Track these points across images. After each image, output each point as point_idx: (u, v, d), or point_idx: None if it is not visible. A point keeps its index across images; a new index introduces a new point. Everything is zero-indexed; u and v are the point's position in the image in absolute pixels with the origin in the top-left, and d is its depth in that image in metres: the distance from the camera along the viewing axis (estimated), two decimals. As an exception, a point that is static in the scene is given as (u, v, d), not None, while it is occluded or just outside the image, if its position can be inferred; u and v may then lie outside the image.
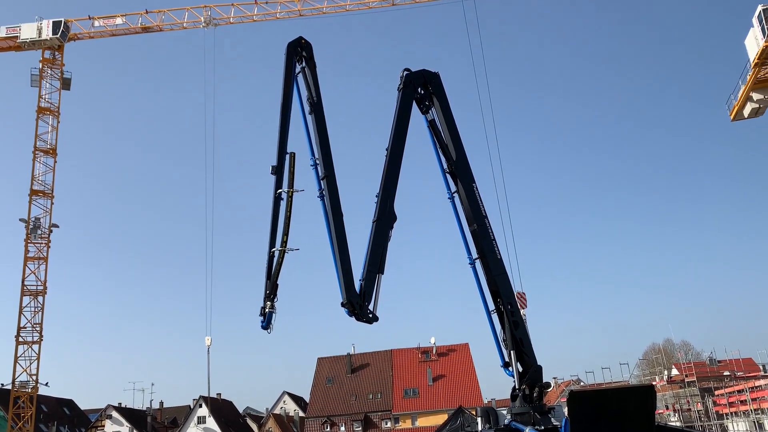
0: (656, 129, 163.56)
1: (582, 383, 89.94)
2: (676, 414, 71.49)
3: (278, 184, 21.15)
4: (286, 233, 20.69)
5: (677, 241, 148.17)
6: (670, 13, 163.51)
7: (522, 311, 21.27)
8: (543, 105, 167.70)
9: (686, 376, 72.67)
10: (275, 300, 20.68)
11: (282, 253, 20.56)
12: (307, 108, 21.93)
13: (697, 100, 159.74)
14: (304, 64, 22.61)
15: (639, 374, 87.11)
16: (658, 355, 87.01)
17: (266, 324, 20.68)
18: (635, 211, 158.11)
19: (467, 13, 31.59)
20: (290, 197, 20.97)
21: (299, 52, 22.68)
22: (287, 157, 21.31)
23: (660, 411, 72.91)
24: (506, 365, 20.46)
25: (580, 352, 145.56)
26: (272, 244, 20.76)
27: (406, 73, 22.03)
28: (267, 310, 20.54)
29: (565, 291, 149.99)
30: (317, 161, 21.03)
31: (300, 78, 22.43)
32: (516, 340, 20.06)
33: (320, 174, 20.82)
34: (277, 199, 21.09)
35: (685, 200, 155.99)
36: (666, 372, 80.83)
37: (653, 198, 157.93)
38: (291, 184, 21.02)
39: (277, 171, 21.29)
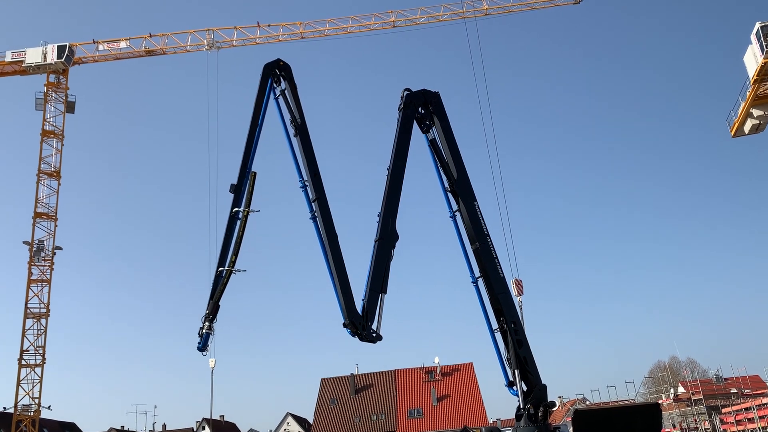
0: (658, 148, 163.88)
1: (587, 402, 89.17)
2: (684, 432, 70.74)
3: (235, 203, 20.92)
4: (235, 253, 20.47)
5: (682, 258, 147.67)
6: (668, 33, 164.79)
7: (518, 298, 21.18)
8: (544, 118, 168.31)
9: (693, 394, 71.99)
10: (214, 321, 20.27)
11: (228, 273, 20.27)
12: (291, 131, 21.73)
13: (697, 119, 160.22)
14: (283, 86, 22.41)
15: (645, 392, 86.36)
16: (664, 373, 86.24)
17: (202, 345, 20.22)
18: (640, 229, 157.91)
19: (469, 32, 31.97)
20: (245, 217, 20.70)
21: (277, 74, 22.46)
22: (248, 176, 21.10)
23: (667, 429, 72.21)
24: (510, 384, 20.38)
25: (585, 370, 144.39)
26: (221, 263, 20.52)
27: (406, 93, 22.18)
28: (204, 331, 20.11)
29: (569, 309, 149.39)
30: (306, 183, 20.85)
31: (281, 101, 22.25)
32: (520, 359, 20.01)
33: (311, 196, 20.63)
34: (233, 218, 20.86)
35: (689, 218, 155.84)
36: (672, 390, 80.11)
37: (657, 216, 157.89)
38: (248, 204, 20.79)
39: (236, 189, 21.06)
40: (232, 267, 20.32)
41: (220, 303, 20.42)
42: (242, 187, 21.08)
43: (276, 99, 22.27)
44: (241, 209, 20.75)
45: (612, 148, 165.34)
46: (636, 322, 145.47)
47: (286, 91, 22.32)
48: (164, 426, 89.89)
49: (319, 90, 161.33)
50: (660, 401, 72.82)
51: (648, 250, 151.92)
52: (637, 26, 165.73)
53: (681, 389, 78.86)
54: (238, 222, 20.75)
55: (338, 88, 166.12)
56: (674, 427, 73.43)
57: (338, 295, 19.14)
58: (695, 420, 71.71)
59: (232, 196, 20.98)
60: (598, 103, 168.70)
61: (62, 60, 50.93)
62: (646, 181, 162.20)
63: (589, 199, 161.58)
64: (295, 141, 21.57)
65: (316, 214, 20.32)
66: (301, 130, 21.54)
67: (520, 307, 21.11)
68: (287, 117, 21.99)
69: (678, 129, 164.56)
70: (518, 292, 21.42)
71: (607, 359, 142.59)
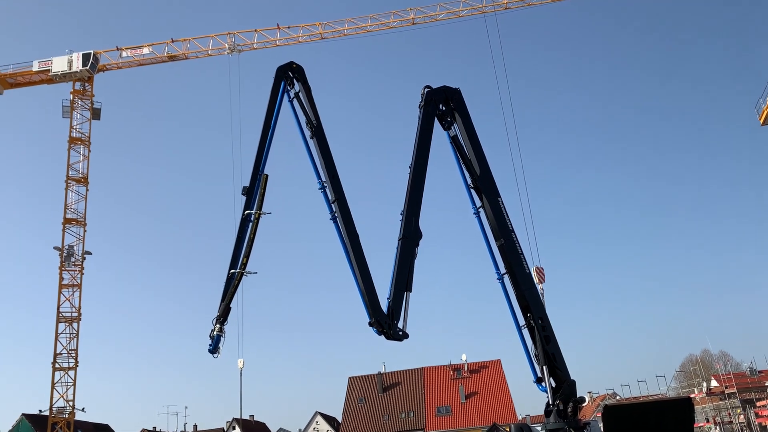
0: (684, 142, 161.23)
1: (618, 397, 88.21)
2: (718, 427, 69.66)
3: (247, 206, 20.98)
4: (247, 255, 20.48)
5: (713, 251, 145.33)
6: (696, 23, 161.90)
7: (540, 286, 20.98)
8: (564, 111, 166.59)
9: (726, 387, 70.81)
10: (225, 323, 20.30)
11: (240, 275, 20.30)
12: (307, 133, 21.70)
13: (720, 111, 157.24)
14: (298, 88, 22.36)
15: (676, 386, 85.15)
16: (696, 367, 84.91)
17: (213, 348, 20.19)
18: (668, 224, 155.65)
19: (489, 27, 31.77)
20: (257, 219, 20.70)
21: (290, 76, 22.43)
22: (260, 179, 21.11)
23: (700, 424, 71.15)
24: (539, 381, 20.22)
25: (615, 365, 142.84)
26: (233, 265, 20.57)
27: (427, 90, 22.07)
28: (215, 333, 20.11)
29: (599, 303, 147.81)
30: (325, 184, 20.84)
31: (296, 103, 22.20)
32: (548, 355, 19.83)
33: (330, 197, 20.60)
34: (245, 220, 20.91)
35: (721, 211, 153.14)
36: (705, 384, 78.85)
37: (686, 209, 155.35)
38: (260, 206, 20.80)
39: (248, 192, 21.14)
40: (244, 269, 20.37)
41: (231, 305, 20.50)
42: (254, 190, 21.14)
43: (290, 101, 22.27)
44: (253, 211, 20.80)
45: (640, 144, 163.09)
46: (666, 316, 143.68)
47: (300, 93, 22.29)
48: (195, 426, 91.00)
49: (337, 91, 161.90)
50: (692, 395, 71.76)
51: (678, 244, 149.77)
52: (658, 20, 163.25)
53: (714, 383, 77.60)
54: (250, 224, 20.81)
55: (357, 88, 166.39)
56: (708, 421, 72.33)
57: (362, 295, 19.10)
58: (729, 414, 70.57)
59: (254, 197, 21.09)
60: (619, 99, 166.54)
61: (87, 68, 51.71)
62: (673, 176, 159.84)
63: (617, 194, 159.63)
64: (311, 143, 21.56)
65: (336, 214, 20.29)
66: (318, 131, 21.51)
67: (542, 294, 20.88)
68: (302, 119, 21.98)
69: (701, 123, 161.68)
70: (539, 279, 21.19)
71: (638, 354, 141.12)
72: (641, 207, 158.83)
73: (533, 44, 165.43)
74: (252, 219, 20.81)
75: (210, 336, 20.16)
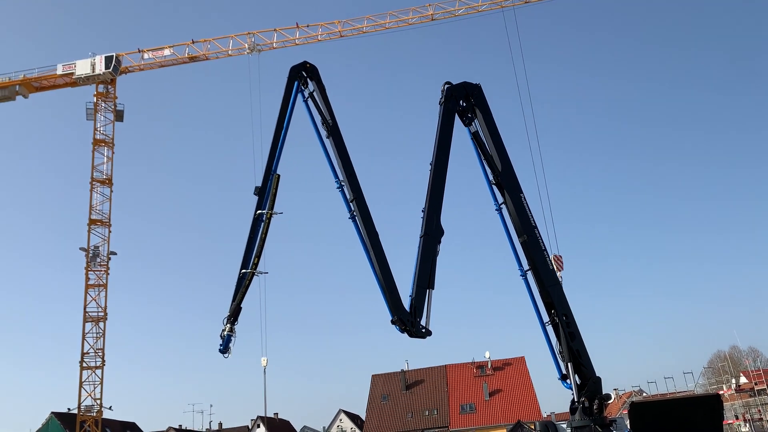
0: (717, 130, 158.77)
1: (644, 394, 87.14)
2: (747, 424, 68.53)
3: (259, 206, 20.97)
4: (258, 255, 20.46)
5: (740, 246, 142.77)
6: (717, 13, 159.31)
7: (558, 274, 20.76)
8: (587, 105, 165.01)
9: (756, 383, 69.67)
10: (236, 323, 20.21)
11: (251, 275, 20.25)
12: (323, 132, 21.64)
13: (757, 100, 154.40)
14: (312, 88, 22.33)
15: (704, 383, 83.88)
16: (724, 363, 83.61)
17: (224, 348, 20.12)
18: (695, 218, 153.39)
19: (507, 21, 31.51)
20: (269, 219, 20.69)
21: (303, 76, 22.37)
22: (272, 178, 21.10)
23: (729, 421, 70.06)
24: (564, 378, 20.05)
25: (641, 361, 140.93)
26: (244, 265, 20.52)
27: (447, 86, 21.96)
28: (225, 333, 20.03)
29: (624, 298, 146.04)
30: (342, 183, 20.79)
31: (310, 103, 22.18)
32: (573, 351, 19.65)
33: (348, 196, 20.53)
34: (257, 220, 20.89)
35: (748, 203, 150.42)
36: (733, 380, 77.64)
37: (715, 203, 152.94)
38: (271, 206, 20.78)
39: (260, 192, 21.13)
40: (255, 269, 20.34)
41: (242, 306, 20.46)
42: (266, 190, 21.16)
43: (305, 101, 22.24)
44: (265, 211, 20.81)
45: (665, 134, 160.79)
46: (693, 311, 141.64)
47: (314, 93, 22.24)
48: (220, 424, 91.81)
49: (356, 90, 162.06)
50: (721, 392, 70.68)
51: (705, 239, 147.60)
52: (680, 7, 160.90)
53: (743, 379, 76.35)
54: (262, 224, 20.82)
55: (375, 87, 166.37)
56: (737, 418, 71.20)
57: (384, 293, 19.03)
58: (759, 411, 69.37)
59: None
60: (643, 88, 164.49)
61: (110, 70, 52.32)
62: (697, 168, 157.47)
63: (644, 187, 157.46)
64: (328, 142, 21.51)
65: (354, 213, 20.23)
66: (333, 131, 21.45)
67: (548, 258, 20.64)
68: (318, 119, 21.92)
69: (733, 114, 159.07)
70: (558, 267, 21.00)
71: (664, 350, 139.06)
72: (669, 197, 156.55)
73: (554, 37, 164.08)
74: (264, 219, 20.82)
75: (221, 336, 20.12)
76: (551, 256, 20.78)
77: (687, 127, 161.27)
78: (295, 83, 22.25)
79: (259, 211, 20.92)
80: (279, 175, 21.32)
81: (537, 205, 21.97)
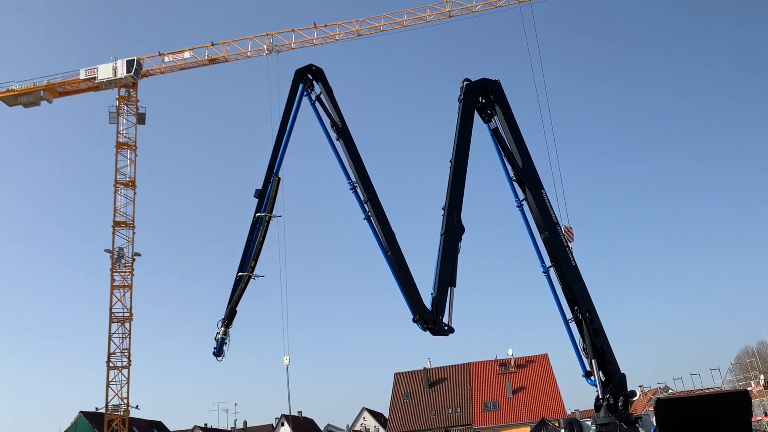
0: (743, 129, 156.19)
1: (670, 390, 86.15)
2: (776, 421, 67.40)
3: (259, 208, 20.86)
4: (255, 258, 20.34)
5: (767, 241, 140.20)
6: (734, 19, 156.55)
7: (569, 245, 20.57)
8: (607, 101, 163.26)
9: (785, 380, 68.51)
10: (230, 327, 20.04)
11: (247, 278, 20.09)
12: (333, 135, 21.56)
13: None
14: (318, 90, 22.22)
15: (731, 380, 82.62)
16: (752, 359, 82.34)
17: (218, 351, 19.92)
18: (724, 214, 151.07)
19: (524, 17, 31.23)
20: (267, 222, 20.59)
21: (309, 78, 22.24)
22: (272, 180, 21.02)
23: (758, 418, 68.96)
24: (588, 375, 19.90)
25: (667, 357, 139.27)
26: (242, 268, 20.38)
27: (465, 83, 21.89)
28: (219, 336, 19.84)
29: (649, 294, 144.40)
30: (355, 185, 20.73)
31: (318, 106, 22.07)
32: (596, 348, 19.49)
33: (362, 197, 20.48)
34: (256, 222, 20.78)
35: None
36: (762, 376, 76.43)
37: (745, 201, 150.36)
38: (270, 209, 20.70)
39: (261, 194, 20.99)
40: (252, 272, 20.22)
41: (237, 309, 20.33)
42: (266, 192, 21.06)
43: (312, 104, 22.14)
44: (263, 214, 20.72)
45: (690, 134, 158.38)
46: (721, 307, 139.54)
47: (321, 96, 22.16)
48: (245, 423, 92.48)
49: (371, 90, 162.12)
50: (749, 388, 69.61)
51: (733, 235, 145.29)
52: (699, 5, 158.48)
53: (772, 375, 75.13)
54: (260, 227, 20.74)
55: (395, 82, 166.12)
56: (766, 415, 70.07)
57: (403, 292, 18.99)
58: (788, 407, 68.19)
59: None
60: (663, 89, 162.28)
61: (131, 74, 52.86)
62: (729, 170, 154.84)
63: (672, 186, 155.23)
64: (338, 144, 21.46)
65: (369, 214, 20.22)
66: (343, 132, 21.39)
67: (571, 254, 20.45)
68: (327, 121, 21.85)
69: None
70: (569, 239, 20.85)
71: (690, 346, 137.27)
72: (695, 195, 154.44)
73: (572, 32, 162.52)
74: (263, 222, 20.73)
75: (215, 339, 19.93)
76: (562, 228, 20.61)
77: (714, 131, 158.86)
78: (300, 86, 22.14)
79: (258, 214, 20.80)
80: (279, 178, 21.25)
81: (554, 201, 21.83)
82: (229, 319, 20.19)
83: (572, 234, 21.15)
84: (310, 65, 22.36)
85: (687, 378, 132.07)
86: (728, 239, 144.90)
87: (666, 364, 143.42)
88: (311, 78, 22.31)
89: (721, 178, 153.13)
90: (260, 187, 21.28)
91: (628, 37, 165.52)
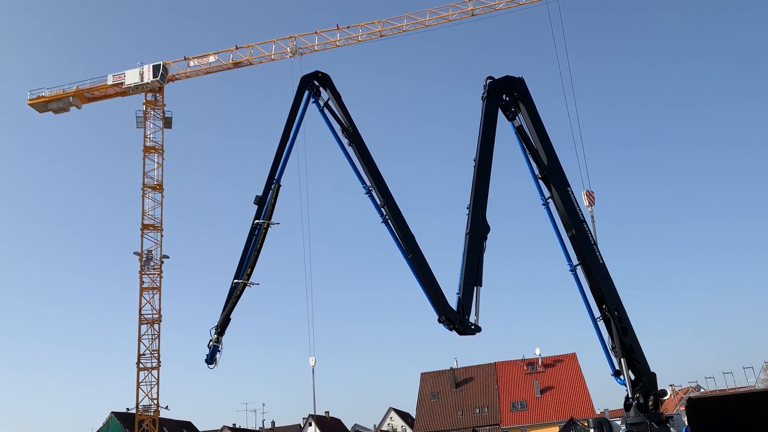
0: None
1: (701, 390, 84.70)
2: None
3: (258, 215, 20.71)
4: (252, 266, 20.19)
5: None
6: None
7: (590, 209, 20.37)
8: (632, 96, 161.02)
9: (820, 378, 66.96)
10: (223, 334, 19.83)
11: (242, 286, 19.91)
12: (345, 140, 21.47)
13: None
14: (327, 97, 22.10)
15: (766, 378, 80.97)
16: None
17: (210, 358, 19.77)
18: (756, 208, 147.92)
19: (551, 13, 31.03)
20: (265, 230, 20.43)
21: (316, 85, 22.10)
22: (273, 188, 20.92)
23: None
24: (617, 374, 19.66)
25: (698, 356, 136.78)
26: (237, 275, 20.19)
27: (489, 81, 21.76)
28: (212, 343, 19.67)
29: (681, 291, 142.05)
30: (370, 189, 20.65)
31: (327, 112, 21.97)
32: (625, 346, 19.25)
33: (378, 201, 20.41)
34: (254, 229, 20.62)
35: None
36: (797, 375, 74.80)
37: None
38: (269, 217, 20.56)
39: (260, 201, 20.86)
40: (247, 280, 20.09)
41: (231, 317, 20.19)
42: (266, 199, 20.97)
43: (321, 111, 22.09)
44: (262, 221, 20.60)
45: (720, 128, 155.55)
46: (753, 304, 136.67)
47: (329, 102, 22.08)
48: (273, 423, 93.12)
49: (391, 91, 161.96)
50: (783, 387, 68.09)
51: (765, 230, 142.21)
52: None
53: (807, 374, 73.49)
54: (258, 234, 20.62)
55: (417, 82, 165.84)
56: (801, 414, 68.50)
57: (427, 294, 18.90)
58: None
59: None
60: (690, 82, 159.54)
61: (158, 78, 53.61)
62: (755, 160, 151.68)
63: (704, 174, 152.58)
64: (350, 150, 21.36)
65: (387, 217, 20.14)
66: (354, 137, 21.27)
67: (592, 219, 20.21)
68: (337, 127, 21.76)
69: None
70: (589, 203, 20.60)
71: (723, 343, 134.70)
72: (727, 185, 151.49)
73: (600, 26, 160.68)
74: (261, 229, 20.60)
75: (207, 346, 19.79)
76: (583, 192, 20.45)
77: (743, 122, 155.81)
78: (306, 93, 22.06)
79: (256, 221, 20.71)
80: (279, 185, 21.17)
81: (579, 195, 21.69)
82: (222, 327, 20.04)
83: (593, 198, 21.07)
84: (317, 72, 22.26)
85: (719, 377, 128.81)
86: (762, 235, 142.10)
87: (697, 362, 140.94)
88: (318, 85, 22.23)
89: (759, 168, 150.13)
90: (258, 195, 21.17)
91: (655, 28, 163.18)
